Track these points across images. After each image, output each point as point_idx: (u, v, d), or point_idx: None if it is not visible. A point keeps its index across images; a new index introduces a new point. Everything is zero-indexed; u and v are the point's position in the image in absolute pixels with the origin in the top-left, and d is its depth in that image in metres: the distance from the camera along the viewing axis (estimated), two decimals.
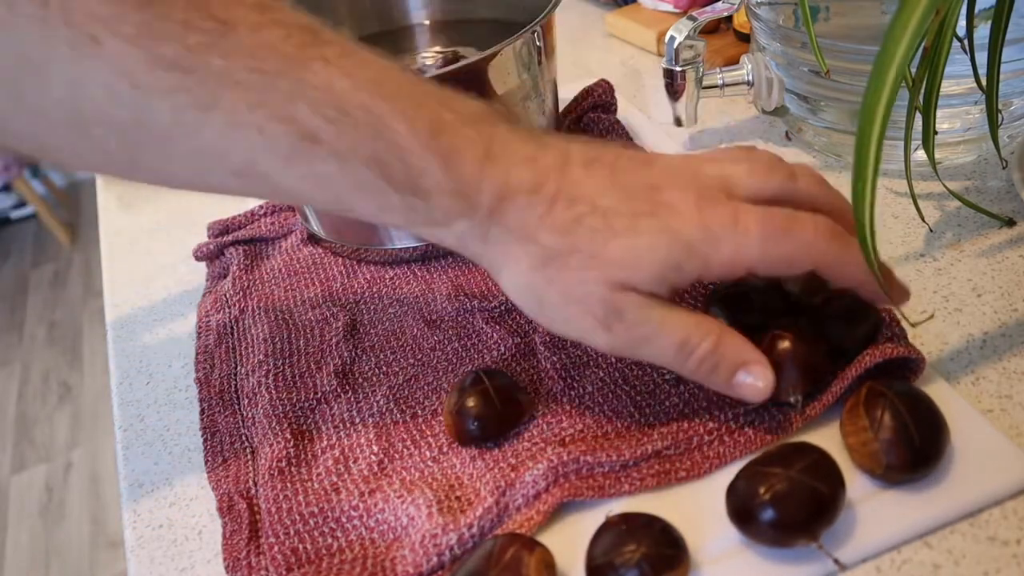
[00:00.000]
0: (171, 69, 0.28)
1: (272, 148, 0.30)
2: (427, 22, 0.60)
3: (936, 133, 0.42)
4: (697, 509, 0.34)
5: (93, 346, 2.16)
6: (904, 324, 0.38)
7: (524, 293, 0.34)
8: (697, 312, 0.35)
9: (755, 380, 0.34)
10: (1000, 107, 0.43)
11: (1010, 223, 0.46)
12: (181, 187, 0.34)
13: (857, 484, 0.33)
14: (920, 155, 0.45)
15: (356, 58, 0.31)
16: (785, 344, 0.35)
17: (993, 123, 0.42)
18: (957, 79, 0.46)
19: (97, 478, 1.79)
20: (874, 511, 0.32)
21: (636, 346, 0.34)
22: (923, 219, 0.47)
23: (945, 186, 0.45)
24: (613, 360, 0.41)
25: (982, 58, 0.41)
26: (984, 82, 0.41)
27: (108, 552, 1.62)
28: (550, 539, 0.33)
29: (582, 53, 0.78)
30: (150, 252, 0.59)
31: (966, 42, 0.40)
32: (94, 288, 2.36)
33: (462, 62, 0.43)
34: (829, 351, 0.37)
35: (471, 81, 0.44)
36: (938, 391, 0.36)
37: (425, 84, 0.33)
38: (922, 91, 0.40)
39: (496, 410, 0.38)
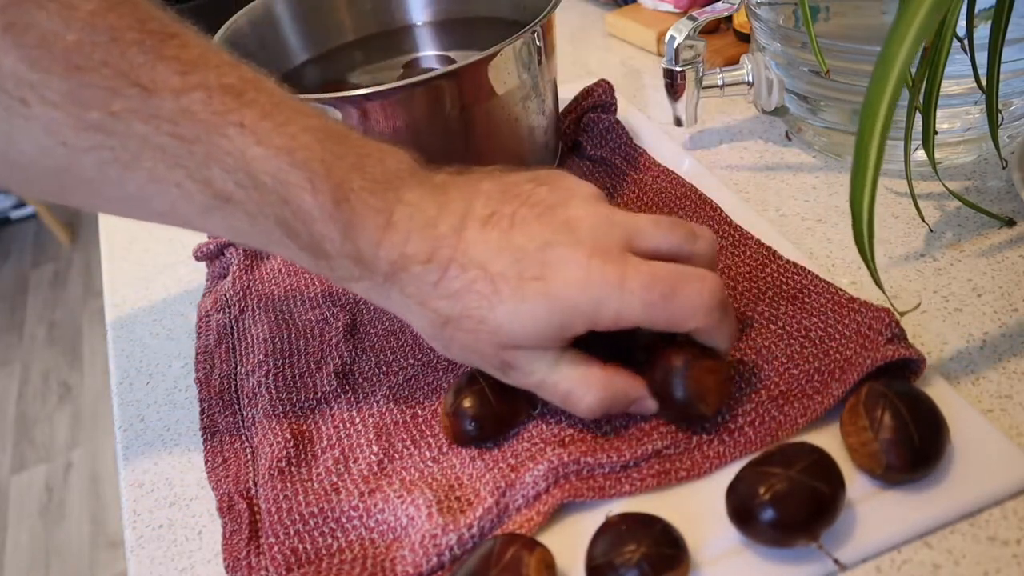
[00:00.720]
0: (96, 131, 0.31)
1: (189, 202, 0.33)
2: (427, 22, 0.60)
3: (936, 133, 0.42)
4: (697, 509, 0.34)
5: (93, 346, 2.16)
6: (903, 324, 0.38)
7: (433, 341, 0.37)
8: (587, 361, 0.37)
9: (642, 411, 0.38)
10: (1000, 107, 0.43)
11: (1010, 223, 0.46)
12: (115, 215, 0.38)
13: (857, 484, 0.33)
14: (920, 155, 0.45)
15: (276, 120, 0.33)
16: (678, 362, 0.36)
17: (993, 123, 0.42)
18: (957, 79, 0.46)
19: (97, 478, 1.79)
20: (874, 511, 0.32)
21: (534, 389, 0.37)
22: (923, 219, 0.47)
23: (945, 186, 0.45)
24: (611, 359, 0.41)
25: (982, 58, 0.41)
26: (984, 82, 0.41)
27: (108, 552, 1.62)
28: (550, 539, 0.33)
29: (582, 53, 0.78)
30: (150, 252, 0.59)
31: (966, 42, 0.40)
32: (94, 288, 2.36)
33: (462, 62, 0.43)
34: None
35: (471, 81, 0.44)
36: (938, 391, 0.36)
37: (343, 145, 0.35)
38: (922, 91, 0.40)
39: (493, 410, 0.38)
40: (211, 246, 0.54)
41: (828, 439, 0.35)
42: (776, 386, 0.38)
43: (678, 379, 0.36)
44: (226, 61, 0.34)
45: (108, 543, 1.64)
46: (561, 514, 0.35)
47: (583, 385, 0.36)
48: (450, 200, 0.36)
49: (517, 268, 0.34)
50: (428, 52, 0.60)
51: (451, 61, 0.59)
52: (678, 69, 0.54)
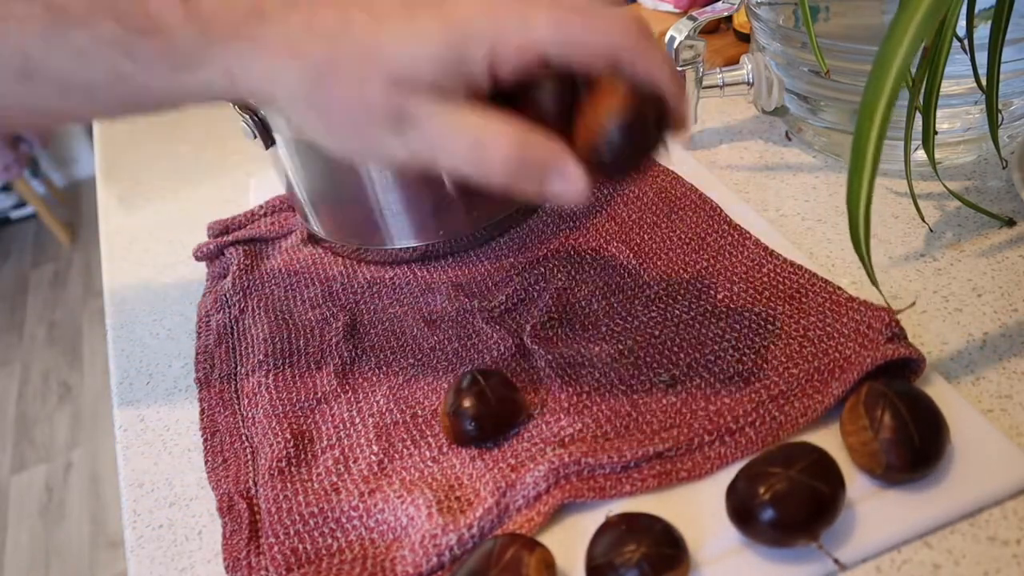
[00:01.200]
0: None
1: (29, 32, 0.30)
2: None
3: (936, 133, 0.42)
4: (697, 509, 0.34)
5: (93, 346, 2.16)
6: (904, 326, 0.38)
7: (310, 121, 0.31)
8: (497, 112, 0.30)
9: (567, 185, 0.31)
10: (1000, 107, 0.43)
11: (1010, 223, 0.46)
12: None
13: (857, 484, 0.33)
14: (920, 155, 0.45)
15: None
16: (613, 101, 0.30)
17: (993, 123, 0.42)
18: (957, 79, 0.46)
19: (97, 478, 1.78)
20: (874, 511, 0.32)
21: (432, 153, 0.30)
22: (923, 219, 0.47)
23: (945, 186, 0.45)
24: (608, 360, 0.41)
25: (982, 58, 0.41)
26: (984, 82, 0.41)
27: (108, 552, 1.62)
28: (550, 539, 0.33)
29: None
30: (150, 252, 0.59)
31: (966, 42, 0.40)
32: (94, 288, 2.36)
33: None
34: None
35: None
36: (938, 391, 0.36)
37: None
38: (922, 91, 0.40)
39: (492, 410, 0.38)
40: (211, 246, 0.54)
41: (828, 439, 0.35)
42: (776, 386, 0.38)
43: (613, 126, 0.30)
44: None
45: (108, 543, 1.64)
46: (561, 514, 0.35)
47: (494, 133, 0.29)
48: None
49: (406, 2, 0.30)
50: None
51: None
52: (678, 69, 0.54)
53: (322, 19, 0.29)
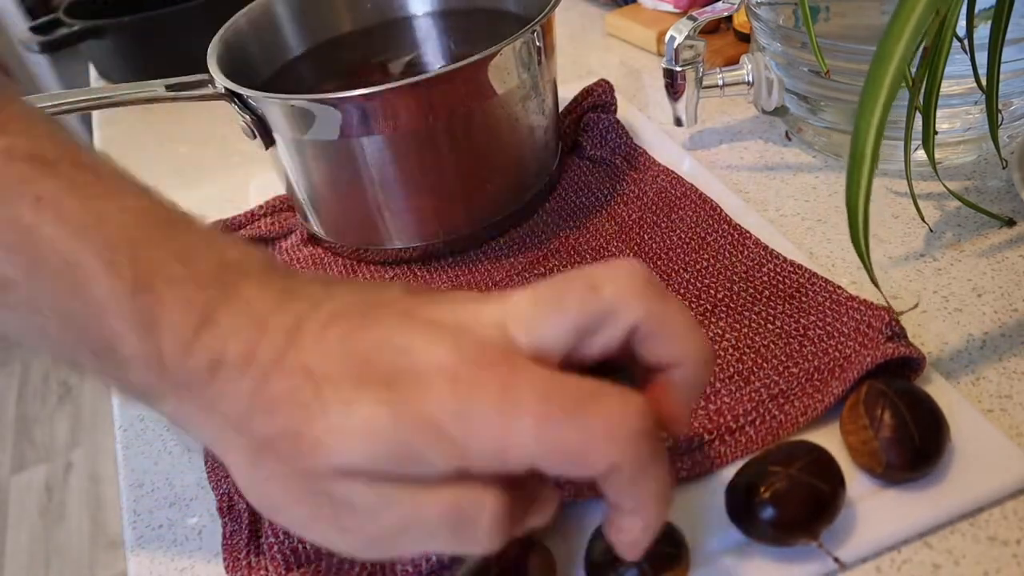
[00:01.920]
0: None
1: None
2: (427, 12, 0.60)
3: (936, 133, 0.42)
4: (697, 508, 0.34)
5: None
6: (904, 325, 0.38)
7: (257, 498, 0.27)
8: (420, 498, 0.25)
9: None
10: (1000, 107, 0.43)
11: (1010, 223, 0.46)
12: None
13: (857, 483, 0.33)
14: (920, 155, 0.45)
15: (86, 194, 0.27)
16: None
17: (993, 123, 0.42)
18: (957, 79, 0.46)
19: (97, 478, 1.78)
20: (874, 510, 0.32)
21: (390, 541, 0.25)
22: (923, 219, 0.47)
23: (945, 186, 0.45)
24: None
25: (982, 58, 0.41)
26: (984, 82, 0.41)
27: (108, 552, 1.62)
28: (550, 539, 0.33)
29: (582, 53, 0.78)
30: None
31: (966, 42, 0.40)
32: None
33: (463, 61, 0.43)
34: None
35: (471, 81, 0.44)
36: (938, 391, 0.36)
37: (173, 229, 0.28)
38: (922, 91, 0.40)
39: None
40: None
41: (828, 438, 0.35)
42: (776, 385, 0.38)
43: None
44: (48, 131, 0.28)
45: (108, 543, 1.64)
46: (561, 514, 0.35)
47: (471, 493, 0.24)
48: (295, 298, 0.27)
49: (356, 371, 0.25)
50: (429, 45, 0.60)
51: (452, 56, 0.59)
52: (678, 69, 0.54)
53: (269, 390, 0.25)
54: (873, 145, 0.31)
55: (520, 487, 0.26)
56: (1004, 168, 0.50)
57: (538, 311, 0.26)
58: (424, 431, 0.23)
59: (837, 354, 0.38)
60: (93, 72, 0.90)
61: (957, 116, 0.49)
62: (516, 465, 0.24)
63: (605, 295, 0.25)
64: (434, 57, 0.60)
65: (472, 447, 0.23)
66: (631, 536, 0.26)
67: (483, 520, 0.24)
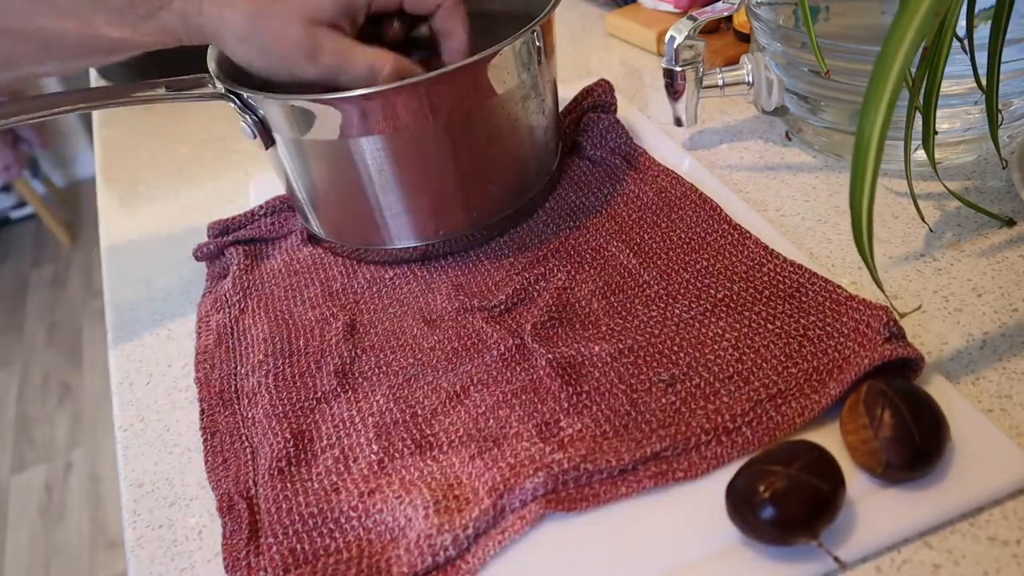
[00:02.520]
0: None
1: None
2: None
3: (936, 133, 0.42)
4: (695, 508, 0.34)
5: (93, 346, 2.15)
6: (904, 324, 0.38)
7: (246, 47, 0.42)
8: (374, 46, 0.44)
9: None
10: (1000, 107, 0.43)
11: (1010, 223, 0.46)
12: None
13: (857, 482, 0.33)
14: (920, 155, 0.45)
15: None
16: None
17: (993, 123, 0.42)
18: (957, 79, 0.46)
19: (97, 478, 1.78)
20: (874, 510, 0.32)
21: (336, 73, 0.43)
22: (923, 219, 0.47)
23: (945, 186, 0.45)
24: (608, 359, 0.41)
25: (982, 58, 0.41)
26: (984, 82, 0.41)
27: (108, 552, 1.62)
28: (544, 533, 0.33)
29: (582, 53, 0.78)
30: (150, 252, 0.59)
31: (966, 42, 0.40)
32: (94, 288, 2.35)
33: (463, 61, 0.43)
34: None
35: (471, 81, 0.44)
36: (938, 390, 0.36)
37: None
38: (922, 91, 0.40)
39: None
40: (211, 246, 0.54)
41: (828, 437, 0.35)
42: (775, 384, 0.38)
43: None
44: None
45: (108, 543, 1.64)
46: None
47: (381, 57, 0.43)
48: None
49: None
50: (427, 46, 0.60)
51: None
52: (678, 69, 0.54)
53: None
54: (876, 149, 0.31)
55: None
56: (1004, 168, 0.50)
57: None
58: None
59: (836, 354, 0.38)
60: (93, 72, 0.90)
61: (957, 116, 0.49)
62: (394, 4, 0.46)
63: None
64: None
65: None
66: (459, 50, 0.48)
67: (387, 70, 0.44)
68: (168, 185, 0.67)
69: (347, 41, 0.43)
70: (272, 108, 0.45)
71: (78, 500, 1.74)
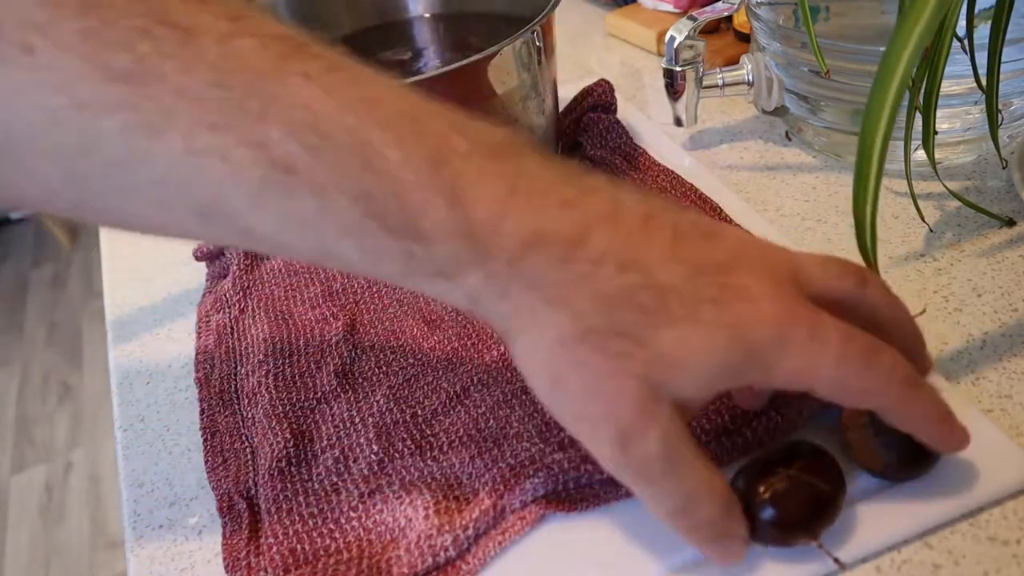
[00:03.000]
0: (118, 82, 0.24)
1: (238, 181, 0.25)
2: (427, 15, 0.60)
3: (936, 133, 0.42)
4: None
5: (93, 346, 2.16)
6: None
7: (539, 369, 0.28)
8: (705, 454, 0.29)
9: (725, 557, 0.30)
10: (1000, 107, 0.43)
11: (1010, 223, 0.46)
12: (139, 230, 0.28)
13: (857, 483, 0.33)
14: (920, 155, 0.45)
15: (346, 74, 0.26)
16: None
17: (993, 123, 0.42)
18: (957, 79, 0.46)
19: (97, 478, 1.78)
20: (874, 510, 0.32)
21: (640, 479, 0.28)
22: (923, 219, 0.47)
23: (945, 186, 0.45)
24: None
25: (982, 58, 0.41)
26: (984, 82, 0.41)
27: (108, 552, 1.62)
28: (542, 532, 0.33)
29: (582, 53, 0.78)
30: (150, 252, 0.59)
31: (966, 42, 0.40)
32: (94, 288, 2.36)
33: (463, 61, 0.43)
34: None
35: (470, 81, 0.44)
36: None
37: (433, 105, 0.28)
38: (922, 91, 0.40)
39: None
40: (211, 246, 0.54)
41: (827, 437, 0.35)
42: None
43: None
44: (277, 21, 0.27)
45: (108, 543, 1.64)
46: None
47: (710, 489, 0.28)
48: (588, 185, 0.28)
49: (692, 284, 0.27)
50: (428, 48, 0.60)
51: (449, 58, 0.59)
52: (678, 69, 0.54)
53: (603, 280, 0.26)
54: (879, 153, 0.31)
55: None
56: (1004, 168, 0.50)
57: (825, 272, 0.30)
58: (750, 353, 0.27)
59: None
60: None
61: (957, 116, 0.49)
62: (803, 387, 0.28)
63: (869, 295, 0.30)
64: (433, 58, 0.60)
65: (779, 370, 0.27)
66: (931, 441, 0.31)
67: (704, 512, 0.28)
68: None
69: (686, 445, 0.28)
70: None
71: (78, 500, 1.74)
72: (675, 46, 0.53)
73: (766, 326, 0.27)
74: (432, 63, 0.60)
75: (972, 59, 0.41)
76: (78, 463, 1.83)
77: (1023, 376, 0.38)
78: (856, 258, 0.36)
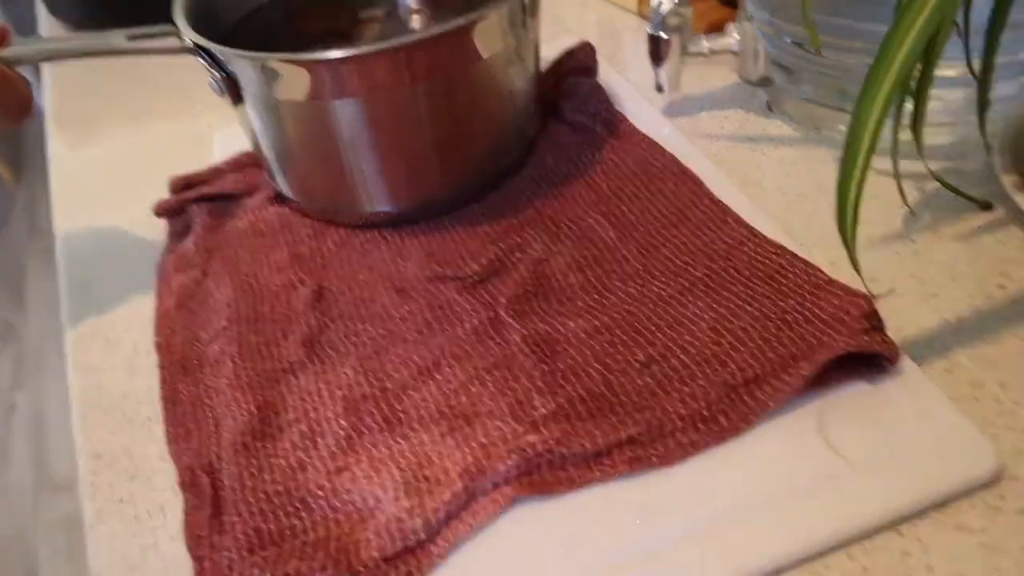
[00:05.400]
0: None
1: None
2: None
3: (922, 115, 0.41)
4: (669, 494, 0.34)
5: (37, 285, 2.09)
6: (879, 308, 0.38)
7: None
8: None
9: None
10: None
11: (988, 207, 0.46)
12: None
13: (828, 468, 0.33)
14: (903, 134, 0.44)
15: None
16: None
17: (983, 108, 0.42)
18: (944, 60, 0.45)
19: (42, 420, 1.75)
20: (844, 498, 0.32)
21: None
22: (906, 203, 0.47)
23: (929, 170, 0.45)
24: (583, 336, 0.40)
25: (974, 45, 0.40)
26: (976, 67, 0.41)
27: (53, 494, 1.60)
28: (521, 518, 0.33)
29: (559, 9, 0.75)
30: (106, 207, 0.56)
31: (961, 26, 0.39)
32: (38, 226, 2.27)
33: (449, 24, 0.41)
34: None
35: (457, 45, 0.42)
36: (910, 379, 0.36)
37: None
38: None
39: None
40: (172, 202, 0.52)
41: (802, 423, 0.35)
42: (751, 369, 0.37)
43: None
44: None
45: (53, 486, 1.62)
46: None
47: None
48: None
49: None
50: (405, 3, 0.58)
51: (427, 15, 0.56)
52: (664, 36, 0.52)
53: None
54: (870, 139, 0.30)
55: None
56: (987, 154, 0.50)
57: None
58: None
59: (814, 341, 0.38)
60: (42, 13, 0.84)
61: (940, 97, 0.49)
62: None
63: None
64: (409, 10, 0.57)
65: None
66: None
67: None
68: (125, 134, 0.64)
69: None
70: (243, 66, 0.42)
71: (22, 443, 1.71)
72: (663, 12, 0.51)
73: None
74: (406, 14, 0.57)
75: (966, 44, 0.40)
76: (22, 405, 1.79)
77: (995, 364, 0.38)
78: (835, 234, 0.36)
